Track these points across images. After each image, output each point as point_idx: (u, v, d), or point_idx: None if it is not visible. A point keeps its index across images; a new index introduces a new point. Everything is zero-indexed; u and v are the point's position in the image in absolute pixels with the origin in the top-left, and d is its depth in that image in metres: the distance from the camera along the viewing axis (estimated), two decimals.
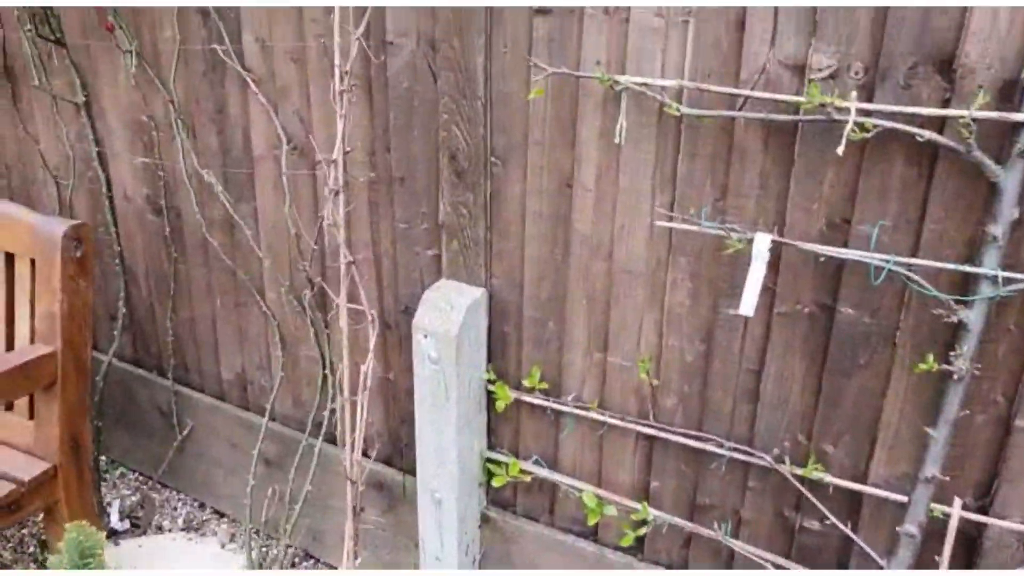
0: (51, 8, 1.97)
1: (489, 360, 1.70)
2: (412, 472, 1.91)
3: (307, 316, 1.92)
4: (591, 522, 1.60)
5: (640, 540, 1.64)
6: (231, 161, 1.90)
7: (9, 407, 1.80)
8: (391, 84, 1.59)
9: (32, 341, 1.75)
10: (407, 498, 1.93)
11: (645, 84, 1.29)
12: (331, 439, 2.01)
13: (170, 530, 2.30)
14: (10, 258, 1.77)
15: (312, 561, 2.17)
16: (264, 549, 2.14)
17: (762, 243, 1.22)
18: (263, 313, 2.01)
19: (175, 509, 2.36)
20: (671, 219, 1.37)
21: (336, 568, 2.14)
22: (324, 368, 1.96)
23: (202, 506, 2.36)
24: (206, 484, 2.31)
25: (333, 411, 1.98)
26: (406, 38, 1.54)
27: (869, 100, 1.17)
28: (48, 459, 1.74)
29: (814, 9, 1.17)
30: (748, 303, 1.25)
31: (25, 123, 2.24)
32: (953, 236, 1.19)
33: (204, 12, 1.79)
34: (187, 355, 2.23)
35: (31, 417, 1.77)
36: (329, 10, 1.62)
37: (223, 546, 2.23)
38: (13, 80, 2.20)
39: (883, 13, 1.14)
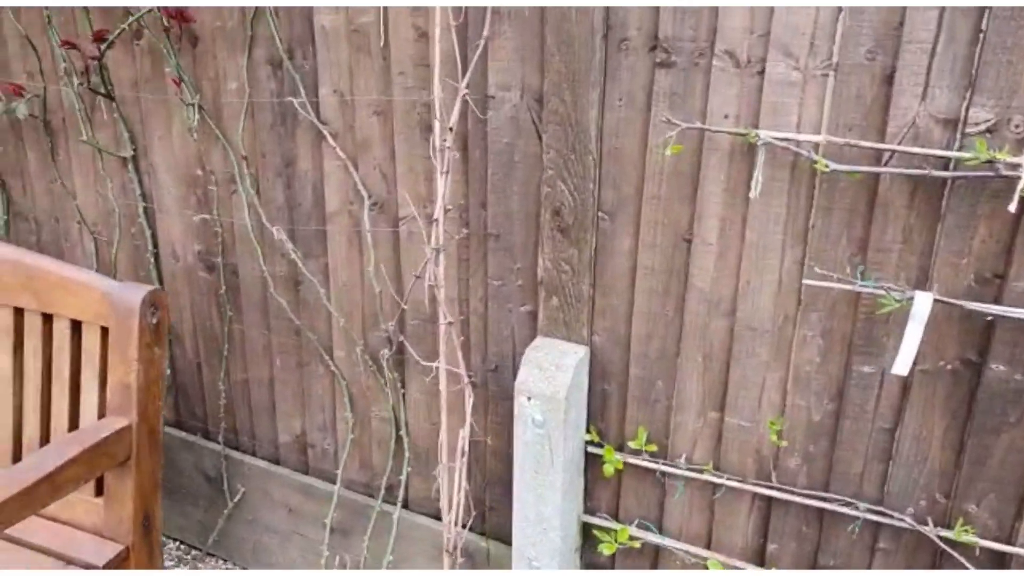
0: (103, 61, 1.86)
1: (588, 421, 1.62)
2: (497, 537, 1.81)
3: (383, 376, 1.82)
4: None
5: None
6: (300, 216, 1.80)
7: None
8: (490, 138, 1.52)
9: (102, 415, 1.62)
10: (490, 564, 1.82)
11: (787, 139, 1.24)
12: (404, 503, 1.90)
13: None
14: (76, 326, 1.64)
15: None
16: None
17: (923, 303, 1.17)
18: (330, 373, 1.90)
19: None
20: (804, 273, 1.32)
21: None
22: (399, 430, 1.85)
23: None
24: (257, 552, 2.17)
25: (408, 475, 1.87)
26: (509, 92, 1.48)
27: None
28: (120, 540, 1.59)
29: (972, 63, 1.14)
30: (903, 363, 1.20)
31: (62, 177, 2.11)
32: None
33: (276, 63, 1.70)
34: (239, 418, 2.10)
35: (98, 494, 1.63)
36: (420, 62, 1.55)
37: None
38: (52, 133, 2.08)
39: None
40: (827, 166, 1.21)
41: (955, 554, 1.33)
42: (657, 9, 1.32)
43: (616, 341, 1.54)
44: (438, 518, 1.88)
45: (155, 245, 2.06)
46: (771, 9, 1.24)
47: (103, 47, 1.79)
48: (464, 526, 1.77)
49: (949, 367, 1.29)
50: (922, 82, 1.17)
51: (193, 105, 1.80)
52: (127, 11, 1.81)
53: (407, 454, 1.86)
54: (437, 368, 1.69)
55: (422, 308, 1.74)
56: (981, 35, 1.13)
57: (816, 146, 1.26)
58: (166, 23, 1.74)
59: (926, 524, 1.34)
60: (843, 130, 1.24)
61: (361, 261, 1.77)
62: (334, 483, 1.98)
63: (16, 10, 1.97)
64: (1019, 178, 1.07)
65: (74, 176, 2.11)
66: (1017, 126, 1.13)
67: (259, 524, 2.13)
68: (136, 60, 1.89)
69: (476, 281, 1.65)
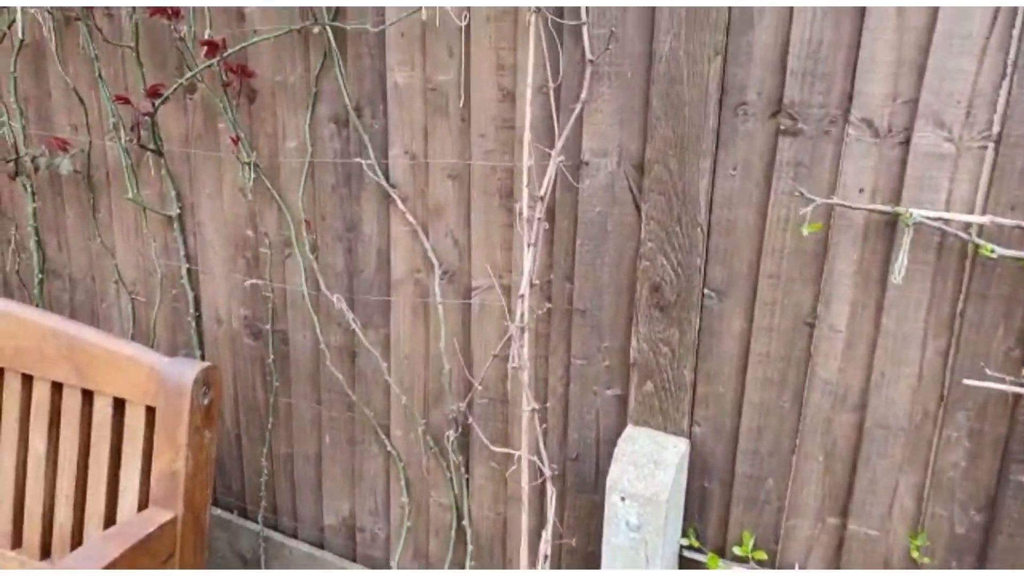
0: (154, 117, 1.74)
1: (685, 522, 1.44)
2: None
3: (446, 459, 1.65)
4: None
5: None
6: (361, 284, 1.66)
7: None
8: (581, 207, 1.38)
9: (143, 504, 1.45)
10: None
11: (940, 218, 1.09)
12: None
13: None
14: (119, 404, 1.48)
15: None
16: None
17: None
18: (385, 452, 1.73)
19: None
20: (949, 367, 1.15)
21: None
22: (460, 519, 1.68)
23: None
24: None
25: (467, 567, 1.69)
26: (605, 158, 1.34)
27: None
28: None
29: None
30: None
31: (102, 234, 1.98)
32: None
33: (341, 122, 1.58)
34: (280, 496, 1.93)
35: None
36: (503, 125, 1.41)
37: None
38: (93, 189, 1.95)
39: None
40: (992, 251, 1.05)
41: None
42: (783, 73, 1.18)
43: (720, 434, 1.37)
44: None
45: (197, 308, 1.91)
46: (920, 75, 1.10)
47: (157, 103, 1.67)
48: None
49: None
50: None
51: (249, 163, 1.67)
52: (184, 65, 1.70)
53: (470, 546, 1.68)
54: (509, 455, 1.53)
55: (492, 386, 1.57)
56: None
57: (972, 226, 1.11)
58: (225, 78, 1.62)
59: None
60: (1005, 209, 1.09)
61: (426, 333, 1.61)
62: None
63: (64, 62, 1.86)
64: None
65: (114, 233, 1.98)
66: None
67: None
68: (188, 115, 1.77)
69: (556, 360, 1.49)
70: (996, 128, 1.08)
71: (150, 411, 1.45)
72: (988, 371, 1.14)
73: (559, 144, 1.30)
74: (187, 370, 1.40)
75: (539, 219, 1.30)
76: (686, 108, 1.24)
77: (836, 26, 1.14)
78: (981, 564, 1.22)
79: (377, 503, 1.79)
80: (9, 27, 1.83)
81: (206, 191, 1.80)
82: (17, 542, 1.60)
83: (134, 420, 1.47)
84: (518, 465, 1.41)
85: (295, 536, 1.94)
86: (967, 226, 1.12)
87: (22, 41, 1.88)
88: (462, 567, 1.68)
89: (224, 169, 1.76)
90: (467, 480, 1.65)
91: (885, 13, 1.10)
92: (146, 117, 1.69)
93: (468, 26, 1.40)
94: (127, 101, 1.68)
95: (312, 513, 1.89)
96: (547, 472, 1.40)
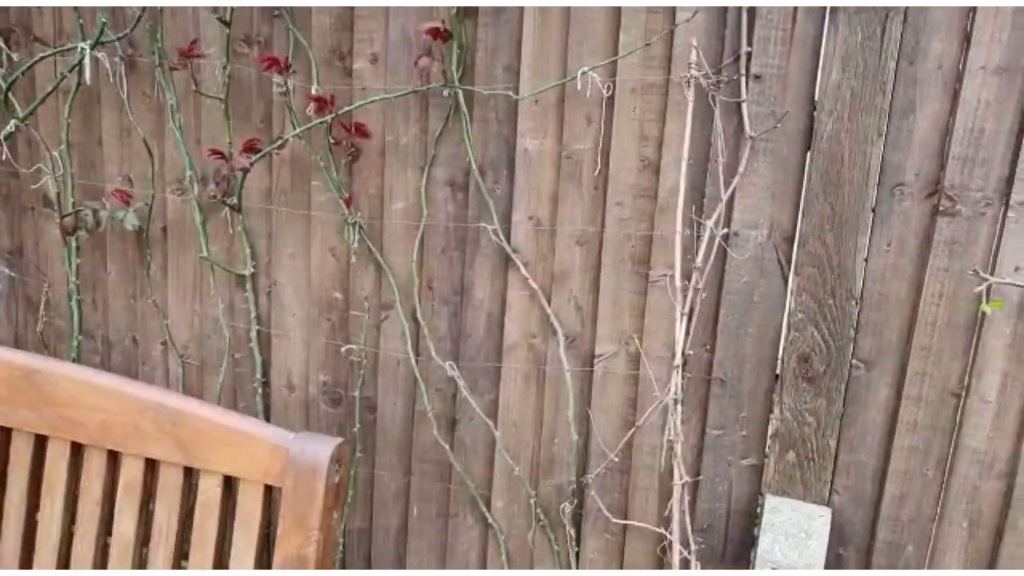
0: (230, 177, 1.64)
1: None
2: None
3: (554, 532, 1.58)
4: None
5: None
6: (467, 350, 1.59)
7: None
8: (727, 277, 1.38)
9: None
10: None
11: None
12: None
13: None
14: (227, 484, 1.35)
15: None
16: None
17: None
18: (482, 524, 1.65)
19: None
20: None
21: None
22: None
23: None
24: None
25: None
26: (755, 230, 1.35)
27: None
28: None
29: None
30: None
31: (154, 293, 1.83)
32: None
33: (458, 185, 1.53)
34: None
35: None
36: (641, 194, 1.41)
37: None
38: (145, 244, 1.81)
39: None
40: None
41: None
42: (942, 157, 1.24)
43: (861, 501, 1.38)
44: None
45: (265, 374, 1.78)
46: None
47: (254, 158, 1.57)
48: None
49: None
50: None
51: (354, 224, 1.59)
52: (272, 119, 1.62)
53: None
54: (624, 526, 1.49)
55: (608, 458, 1.54)
56: None
57: None
58: (333, 136, 1.55)
59: None
60: None
61: (539, 402, 1.57)
62: None
63: (124, 110, 1.73)
64: None
65: (168, 292, 1.83)
66: None
67: None
68: (272, 170, 1.68)
69: (689, 428, 1.47)
70: None
71: (267, 490, 1.33)
72: None
73: (715, 216, 1.31)
74: (321, 448, 1.28)
75: (697, 288, 1.30)
76: (846, 187, 1.28)
77: (999, 114, 1.21)
78: None
79: None
80: (71, 70, 1.69)
81: (288, 250, 1.70)
82: None
83: (248, 501, 1.34)
84: (677, 550, 1.37)
85: None
86: None
87: (79, 84, 1.74)
88: None
89: (313, 228, 1.67)
90: (577, 553, 1.59)
91: None
92: (240, 172, 1.59)
93: (612, 97, 1.40)
94: (221, 155, 1.57)
95: None
96: (692, 546, 1.37)
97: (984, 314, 1.25)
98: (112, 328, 1.91)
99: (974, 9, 1.20)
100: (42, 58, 1.70)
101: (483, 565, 1.68)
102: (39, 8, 1.78)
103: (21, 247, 1.94)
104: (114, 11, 1.68)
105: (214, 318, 1.79)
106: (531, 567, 1.63)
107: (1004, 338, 1.26)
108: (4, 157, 1.81)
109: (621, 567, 1.57)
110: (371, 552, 1.77)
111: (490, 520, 1.64)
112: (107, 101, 1.77)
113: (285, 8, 1.56)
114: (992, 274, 1.24)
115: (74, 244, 1.83)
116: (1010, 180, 1.22)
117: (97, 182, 1.82)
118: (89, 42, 1.63)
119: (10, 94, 1.74)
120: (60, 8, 1.75)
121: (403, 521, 1.73)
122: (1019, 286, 1.23)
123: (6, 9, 1.79)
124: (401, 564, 1.75)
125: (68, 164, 1.80)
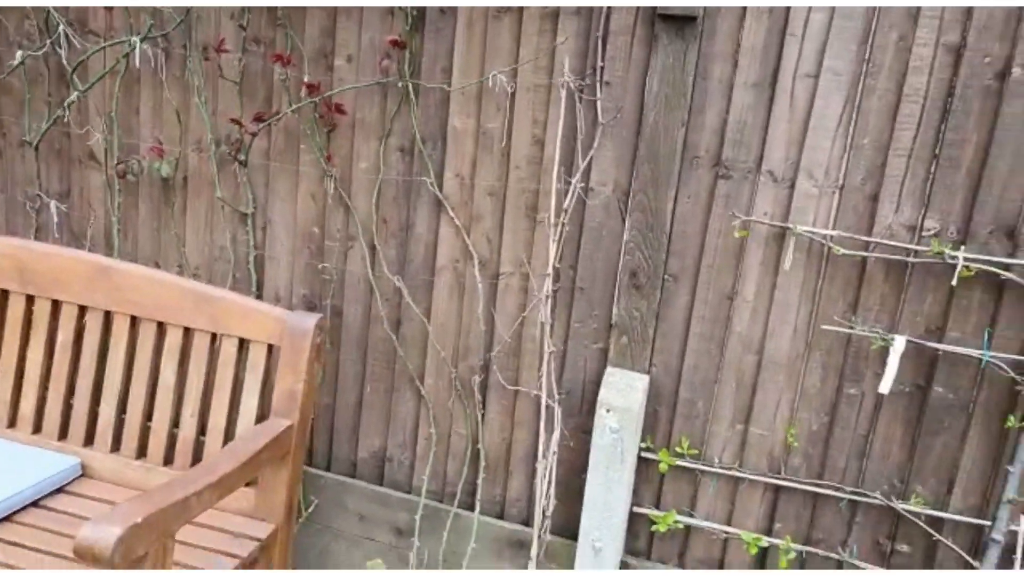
0: (242, 139, 2.14)
1: (643, 432, 2.00)
2: (553, 531, 2.12)
3: (470, 399, 2.12)
4: (752, 552, 1.91)
5: (761, 569, 1.97)
6: (410, 270, 2.13)
7: None
8: (586, 218, 1.94)
9: (261, 418, 1.82)
10: (548, 555, 2.12)
11: (811, 232, 1.75)
12: (470, 507, 2.18)
13: None
14: (242, 344, 1.86)
15: None
16: None
17: (900, 343, 1.68)
18: (417, 397, 2.18)
19: None
20: (813, 321, 1.80)
21: None
22: (476, 443, 2.15)
23: None
24: (323, 556, 2.33)
25: (479, 482, 2.15)
26: (604, 187, 1.91)
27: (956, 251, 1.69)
28: (271, 521, 1.78)
29: (927, 191, 1.70)
30: (887, 385, 1.69)
31: (175, 227, 2.32)
32: (1013, 337, 1.71)
33: (406, 150, 2.06)
34: (318, 439, 2.31)
35: (247, 484, 1.82)
36: (532, 160, 1.96)
37: None
38: (170, 189, 2.29)
39: (972, 196, 1.68)
40: (839, 251, 1.72)
41: (919, 522, 1.81)
42: (721, 139, 1.82)
43: (669, 372, 1.96)
44: (501, 518, 2.17)
45: (259, 289, 2.29)
46: (801, 147, 1.77)
47: (260, 126, 2.08)
48: (544, 517, 2.07)
49: (907, 390, 1.80)
50: (896, 202, 1.72)
51: (332, 176, 2.11)
52: (274, 98, 2.13)
53: (483, 463, 2.15)
54: (515, 393, 2.04)
55: (506, 345, 2.08)
56: (931, 175, 1.69)
57: (829, 237, 1.78)
58: (318, 113, 2.07)
59: (892, 500, 1.82)
60: (843, 228, 1.76)
61: (459, 306, 2.10)
62: (408, 492, 2.22)
63: (160, 87, 2.22)
64: (956, 264, 1.62)
65: (186, 227, 2.32)
66: (951, 232, 1.69)
67: (329, 531, 2.31)
68: (271, 136, 2.18)
69: (559, 323, 2.03)
70: (841, 181, 1.75)
71: (269, 348, 1.85)
72: (834, 317, 1.80)
73: (577, 176, 1.87)
74: (309, 320, 1.81)
75: (563, 223, 1.86)
76: (661, 158, 1.84)
77: (755, 113, 1.79)
78: (825, 448, 1.87)
79: (405, 438, 2.23)
80: (124, 56, 2.17)
81: (279, 195, 2.21)
82: (142, 453, 1.91)
83: (257, 354, 1.85)
84: (545, 393, 1.91)
85: (327, 470, 2.32)
86: (829, 237, 1.78)
87: (127, 68, 2.22)
88: (477, 481, 2.15)
89: (299, 180, 2.18)
90: (483, 415, 2.14)
91: (781, 108, 1.76)
92: (250, 136, 2.10)
93: (514, 92, 1.95)
94: (238, 122, 2.08)
95: (344, 451, 2.29)
96: (556, 397, 1.92)
97: (745, 241, 1.83)
98: (140, 254, 2.39)
99: (739, 44, 1.77)
100: (101, 48, 2.18)
101: (416, 428, 2.21)
102: (93, 7, 2.25)
103: (69, 190, 2.41)
104: (153, 11, 2.16)
105: (221, 246, 2.29)
106: (450, 427, 2.17)
107: (758, 258, 1.84)
108: (66, 119, 2.28)
109: (512, 423, 2.12)
110: (334, 422, 2.29)
111: (423, 393, 2.17)
112: (145, 80, 2.25)
113: (286, 18, 2.07)
114: (749, 216, 1.82)
115: (118, 187, 2.31)
116: (761, 157, 1.80)
117: (134, 141, 2.30)
118: (139, 36, 2.12)
119: (73, 74, 2.22)
120: (111, 8, 2.23)
121: (359, 397, 2.25)
122: (764, 223, 1.81)
123: (66, 8, 2.26)
124: (356, 431, 2.27)
125: (116, 127, 2.28)
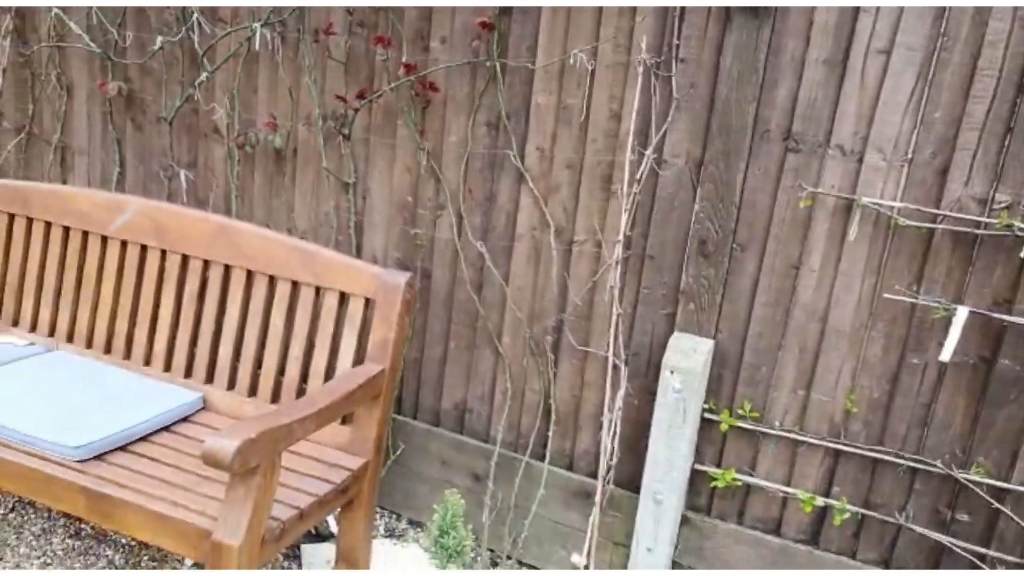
0: (346, 115, 2.35)
1: (706, 395, 2.09)
2: (618, 483, 2.24)
3: (544, 357, 2.27)
4: (807, 510, 1.98)
5: (817, 530, 2.02)
6: (493, 237, 2.28)
7: None
8: (658, 188, 2.04)
9: (358, 364, 2.03)
10: (612, 504, 2.24)
11: (878, 203, 1.78)
12: (541, 457, 2.33)
13: (375, 536, 2.50)
14: (342, 298, 2.07)
15: (513, 561, 2.42)
16: (474, 554, 2.39)
17: (963, 313, 1.70)
18: (495, 354, 2.35)
19: (376, 519, 2.57)
20: (877, 292, 1.84)
21: (536, 568, 2.39)
22: (548, 399, 2.30)
23: (398, 517, 2.58)
24: (407, 499, 2.54)
25: (550, 434, 2.30)
26: (677, 159, 2.01)
27: None
28: (362, 455, 1.99)
29: (999, 165, 1.71)
30: (948, 352, 1.72)
31: (285, 194, 2.56)
32: None
33: (493, 125, 2.21)
34: (406, 389, 2.52)
35: (342, 422, 2.03)
36: (609, 134, 2.07)
37: (426, 550, 2.45)
38: (280, 160, 2.53)
39: None
40: (904, 222, 1.75)
41: (978, 491, 1.82)
42: (792, 115, 1.87)
43: (735, 337, 2.03)
44: (570, 469, 2.31)
45: (358, 252, 2.50)
46: (871, 122, 1.80)
47: (362, 102, 2.28)
48: (609, 468, 2.20)
49: (971, 361, 1.81)
50: (967, 174, 1.74)
51: (425, 150, 2.29)
52: (375, 78, 2.32)
53: (553, 418, 2.30)
54: (585, 355, 2.16)
55: (577, 308, 2.21)
56: (1004, 149, 1.70)
57: (890, 209, 1.81)
58: (414, 91, 2.25)
59: (952, 469, 1.84)
60: (912, 200, 1.79)
61: (536, 271, 2.25)
62: (485, 441, 2.39)
63: (275, 68, 2.45)
64: None
65: (295, 194, 2.56)
66: (1023, 205, 1.70)
67: (413, 474, 2.52)
68: (372, 112, 2.38)
69: (630, 289, 2.14)
70: (911, 155, 1.78)
71: (367, 301, 2.05)
72: (897, 287, 1.83)
73: (650, 148, 1.97)
74: (400, 276, 2.00)
75: (636, 193, 1.96)
76: (734, 132, 1.91)
77: (825, 89, 1.84)
78: (886, 415, 1.90)
79: (484, 391, 2.39)
80: (247, 40, 2.42)
81: (378, 167, 2.41)
82: (253, 392, 2.16)
83: (355, 307, 2.06)
84: (612, 352, 2.03)
85: (414, 418, 2.53)
86: (892, 209, 1.81)
87: (249, 50, 2.47)
88: (548, 433, 2.30)
89: (396, 153, 2.37)
90: (555, 373, 2.28)
91: (852, 84, 1.80)
92: (354, 112, 2.30)
93: (593, 70, 2.06)
94: (344, 99, 2.29)
95: (430, 401, 2.49)
96: (623, 357, 2.04)
97: (811, 212, 1.88)
98: (255, 218, 2.65)
99: (812, 21, 1.82)
100: (228, 33, 2.44)
101: (494, 383, 2.37)
102: None
103: (196, 161, 2.70)
104: None
105: (325, 212, 2.51)
106: (525, 384, 2.32)
107: (824, 229, 1.89)
108: (196, 98, 2.56)
109: (582, 382, 2.24)
110: (420, 374, 2.48)
111: (501, 351, 2.33)
112: (263, 62, 2.50)
113: (389, 5, 2.26)
114: (816, 188, 1.87)
115: (236, 158, 2.58)
116: (830, 131, 1.84)
117: (251, 117, 2.56)
118: (259, 23, 2.35)
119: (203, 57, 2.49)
120: None
121: (444, 353, 2.43)
122: (831, 195, 1.85)
123: None
124: (441, 382, 2.46)
125: (237, 104, 2.54)
